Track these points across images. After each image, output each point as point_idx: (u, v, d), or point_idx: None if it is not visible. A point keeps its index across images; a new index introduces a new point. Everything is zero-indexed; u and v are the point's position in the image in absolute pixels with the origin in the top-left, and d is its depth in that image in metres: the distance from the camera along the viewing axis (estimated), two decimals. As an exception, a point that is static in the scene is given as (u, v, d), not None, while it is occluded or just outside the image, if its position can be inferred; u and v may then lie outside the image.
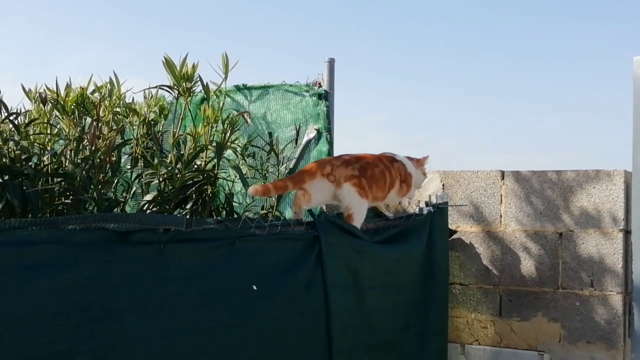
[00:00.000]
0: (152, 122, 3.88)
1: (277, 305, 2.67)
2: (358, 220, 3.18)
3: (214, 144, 3.71)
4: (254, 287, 2.62)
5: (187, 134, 3.78)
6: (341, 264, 3.04)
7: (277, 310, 2.67)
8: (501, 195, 3.77)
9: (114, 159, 3.50)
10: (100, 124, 3.59)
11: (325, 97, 4.36)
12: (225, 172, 4.06)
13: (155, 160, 3.61)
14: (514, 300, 3.74)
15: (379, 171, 3.25)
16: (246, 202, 4.32)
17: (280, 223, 2.89)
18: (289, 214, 4.51)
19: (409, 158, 3.46)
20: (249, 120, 3.84)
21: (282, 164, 4.28)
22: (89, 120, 3.61)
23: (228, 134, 3.83)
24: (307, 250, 2.93)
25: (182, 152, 3.60)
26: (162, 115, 3.98)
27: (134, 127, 3.84)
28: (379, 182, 3.24)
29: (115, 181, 3.64)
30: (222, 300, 2.44)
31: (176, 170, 3.53)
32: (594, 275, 3.57)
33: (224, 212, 4.04)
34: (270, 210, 4.31)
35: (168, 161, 3.62)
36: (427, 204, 3.63)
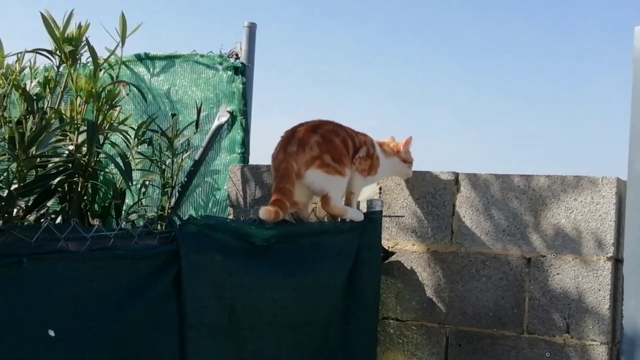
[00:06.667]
0: (36, 97, 3.28)
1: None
2: (337, 198, 2.69)
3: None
4: (51, 333, 1.85)
5: (50, 107, 3.19)
6: (210, 294, 2.25)
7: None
8: (454, 205, 3.02)
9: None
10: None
11: (242, 71, 3.62)
12: (110, 163, 3.35)
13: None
14: (465, 345, 2.99)
15: (341, 140, 2.76)
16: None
17: (114, 234, 2.02)
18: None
19: (381, 143, 2.97)
20: (123, 92, 3.11)
21: (185, 153, 3.52)
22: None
23: (107, 110, 3.17)
24: (157, 274, 2.13)
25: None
26: (48, 88, 3.33)
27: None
28: (343, 155, 2.75)
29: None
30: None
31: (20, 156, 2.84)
32: (571, 318, 2.84)
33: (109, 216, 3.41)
34: (167, 213, 3.51)
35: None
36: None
